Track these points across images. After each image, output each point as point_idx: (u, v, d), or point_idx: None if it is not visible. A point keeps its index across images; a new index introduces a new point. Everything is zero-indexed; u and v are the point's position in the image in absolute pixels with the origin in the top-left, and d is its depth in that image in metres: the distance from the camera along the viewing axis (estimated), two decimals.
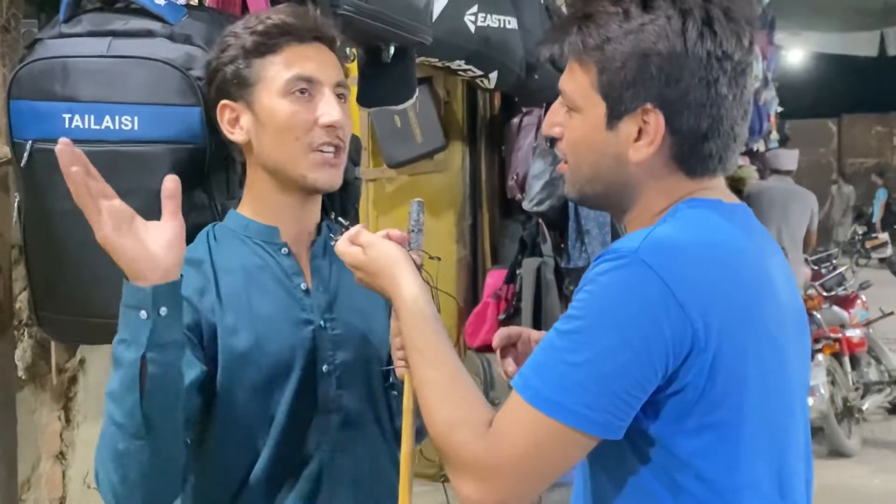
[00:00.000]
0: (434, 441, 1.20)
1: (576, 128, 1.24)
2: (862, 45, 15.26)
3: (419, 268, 1.38)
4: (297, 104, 1.42)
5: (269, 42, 1.41)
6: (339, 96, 1.46)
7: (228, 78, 1.45)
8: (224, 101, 1.47)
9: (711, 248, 1.15)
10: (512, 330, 1.49)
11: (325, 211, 1.62)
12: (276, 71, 1.42)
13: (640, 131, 1.19)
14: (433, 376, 1.21)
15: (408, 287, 1.28)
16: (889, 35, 15.11)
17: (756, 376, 1.14)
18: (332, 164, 1.45)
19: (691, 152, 1.20)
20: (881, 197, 17.72)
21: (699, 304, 1.09)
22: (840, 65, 17.23)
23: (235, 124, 1.47)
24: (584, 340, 1.10)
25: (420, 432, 1.45)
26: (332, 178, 1.46)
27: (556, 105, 1.27)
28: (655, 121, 1.17)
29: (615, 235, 4.27)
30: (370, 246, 1.33)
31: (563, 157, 1.28)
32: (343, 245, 1.35)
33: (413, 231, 1.39)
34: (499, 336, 1.47)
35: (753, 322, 1.14)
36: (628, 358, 1.08)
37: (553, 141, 1.29)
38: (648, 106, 1.17)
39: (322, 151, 1.43)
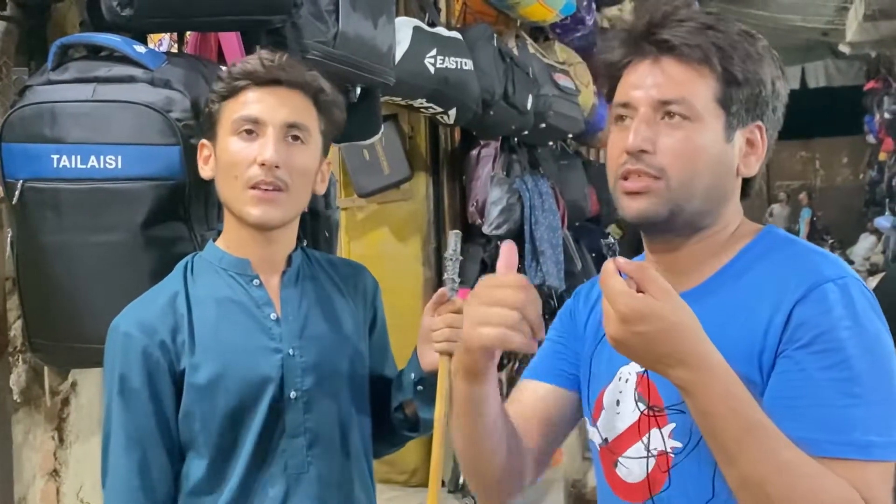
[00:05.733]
0: None
1: (691, 138, 1.09)
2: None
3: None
4: (241, 143, 1.38)
5: (231, 86, 1.40)
6: (294, 137, 1.39)
7: (205, 119, 1.44)
8: (202, 140, 1.46)
9: None
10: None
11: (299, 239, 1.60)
12: (231, 112, 1.40)
13: (748, 146, 1.15)
14: (791, 457, 0.98)
15: (720, 355, 0.99)
16: (809, 70, 15.44)
17: None
18: (267, 199, 1.37)
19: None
20: (805, 216, 17.99)
21: None
22: None
23: (207, 161, 1.45)
24: (877, 378, 1.01)
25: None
26: (266, 214, 1.38)
27: (645, 117, 1.10)
28: (762, 138, 1.16)
29: (567, 256, 4.28)
30: (668, 294, 0.98)
31: (654, 172, 1.09)
32: (619, 286, 0.97)
33: (450, 260, 1.32)
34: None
35: None
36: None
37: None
38: (759, 123, 1.15)
39: (258, 188, 1.37)
